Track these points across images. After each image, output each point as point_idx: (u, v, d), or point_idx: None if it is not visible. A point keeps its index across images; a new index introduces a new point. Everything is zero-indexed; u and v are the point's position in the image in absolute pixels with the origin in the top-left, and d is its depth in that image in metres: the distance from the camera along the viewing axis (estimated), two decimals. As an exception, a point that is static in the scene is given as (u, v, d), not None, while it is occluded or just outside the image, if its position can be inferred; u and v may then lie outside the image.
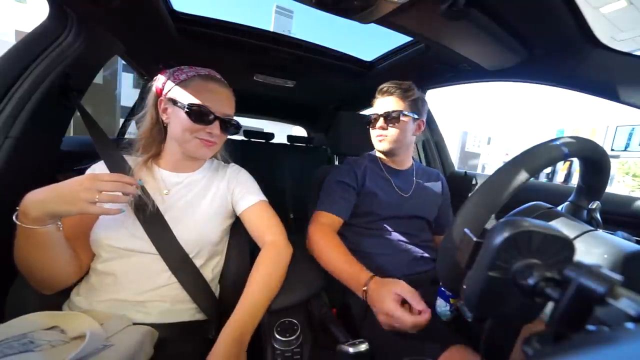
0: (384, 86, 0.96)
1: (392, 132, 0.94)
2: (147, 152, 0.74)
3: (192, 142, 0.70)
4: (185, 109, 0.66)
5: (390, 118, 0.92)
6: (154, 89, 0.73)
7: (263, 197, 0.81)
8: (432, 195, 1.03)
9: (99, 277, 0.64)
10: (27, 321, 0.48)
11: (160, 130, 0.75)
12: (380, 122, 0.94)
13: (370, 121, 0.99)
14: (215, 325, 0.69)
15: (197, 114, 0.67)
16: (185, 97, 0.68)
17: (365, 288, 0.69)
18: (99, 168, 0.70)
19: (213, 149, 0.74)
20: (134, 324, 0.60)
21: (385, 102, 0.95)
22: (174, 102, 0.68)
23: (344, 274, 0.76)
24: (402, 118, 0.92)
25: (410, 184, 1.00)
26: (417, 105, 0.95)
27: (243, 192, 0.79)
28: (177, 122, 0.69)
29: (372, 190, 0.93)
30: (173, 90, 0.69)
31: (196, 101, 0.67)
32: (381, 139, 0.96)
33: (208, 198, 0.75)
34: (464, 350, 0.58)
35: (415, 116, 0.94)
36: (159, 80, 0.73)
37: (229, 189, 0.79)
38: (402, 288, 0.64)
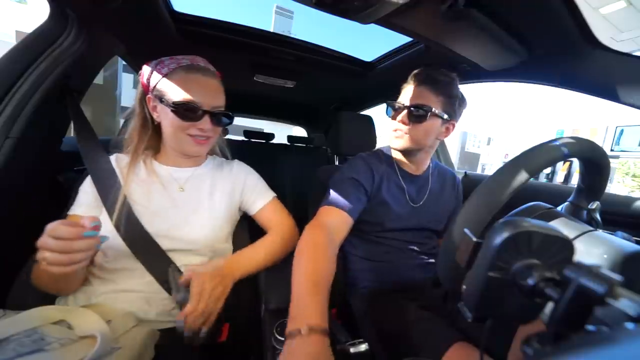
0: (420, 71, 0.80)
1: (414, 130, 0.79)
2: (139, 150, 0.71)
3: (184, 140, 0.68)
4: (171, 107, 0.63)
5: (416, 113, 0.77)
6: (139, 85, 0.71)
7: (273, 193, 0.85)
8: (445, 202, 0.94)
9: (105, 270, 0.64)
10: (35, 314, 0.48)
11: (146, 127, 0.72)
12: (403, 115, 0.79)
13: (392, 110, 0.83)
14: (209, 330, 0.68)
15: (184, 111, 0.64)
16: (170, 93, 0.64)
17: (302, 330, 0.47)
18: None
19: (207, 145, 0.72)
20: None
21: (414, 92, 0.78)
22: (160, 99, 0.65)
23: (296, 302, 0.54)
24: (429, 117, 0.77)
25: (424, 192, 0.91)
26: (452, 105, 0.80)
27: (256, 193, 0.81)
28: (167, 120, 0.66)
29: (385, 200, 0.84)
30: (158, 86, 0.66)
31: (181, 97, 0.63)
32: (398, 135, 0.82)
33: (216, 196, 0.75)
34: (467, 347, 0.58)
35: (446, 117, 0.79)
36: (144, 75, 0.69)
37: (236, 188, 0.79)
38: None
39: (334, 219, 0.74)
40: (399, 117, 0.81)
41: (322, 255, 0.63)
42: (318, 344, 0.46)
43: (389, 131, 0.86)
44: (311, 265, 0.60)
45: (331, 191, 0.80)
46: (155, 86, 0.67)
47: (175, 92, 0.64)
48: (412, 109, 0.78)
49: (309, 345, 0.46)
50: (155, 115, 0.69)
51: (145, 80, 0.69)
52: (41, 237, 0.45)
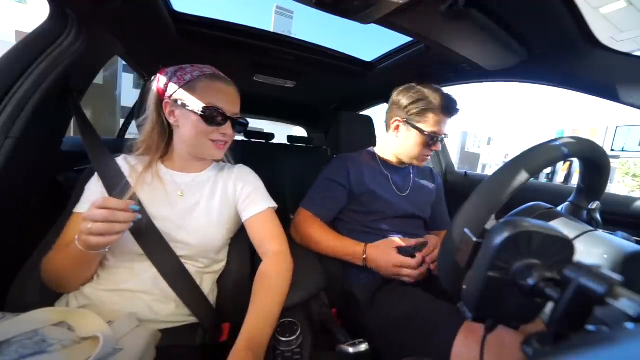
0: (452, 105, 0.90)
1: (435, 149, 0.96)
2: (150, 154, 0.73)
3: (205, 145, 0.70)
4: (200, 112, 0.66)
5: (442, 139, 0.94)
6: (154, 90, 0.72)
7: (272, 204, 0.78)
8: (427, 193, 1.05)
9: (107, 270, 0.65)
10: (36, 316, 0.48)
11: (163, 132, 0.74)
12: (437, 143, 0.93)
13: (428, 137, 0.90)
14: (210, 330, 0.67)
15: (211, 116, 0.67)
16: (196, 100, 0.67)
17: (364, 256, 0.82)
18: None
19: (224, 150, 0.75)
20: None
21: (445, 122, 0.93)
22: (184, 105, 0.67)
23: (339, 251, 0.85)
24: None
25: (407, 183, 1.02)
26: None
27: (252, 199, 0.76)
28: (189, 125, 0.68)
29: (371, 188, 0.93)
30: (179, 93, 0.68)
31: (208, 102, 0.67)
32: (428, 158, 0.97)
33: (213, 201, 0.74)
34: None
35: None
36: (160, 81, 0.71)
37: (235, 191, 0.76)
38: (396, 242, 0.81)
39: (311, 226, 0.90)
40: (435, 146, 0.93)
41: (320, 223, 0.92)
42: (375, 245, 0.84)
43: (421, 156, 0.94)
44: (321, 232, 0.89)
45: (309, 192, 0.96)
46: (175, 92, 0.68)
47: (202, 98, 0.67)
48: (444, 137, 0.94)
49: (377, 248, 0.83)
50: (172, 121, 0.70)
51: (162, 86, 0.70)
52: (88, 210, 0.51)
